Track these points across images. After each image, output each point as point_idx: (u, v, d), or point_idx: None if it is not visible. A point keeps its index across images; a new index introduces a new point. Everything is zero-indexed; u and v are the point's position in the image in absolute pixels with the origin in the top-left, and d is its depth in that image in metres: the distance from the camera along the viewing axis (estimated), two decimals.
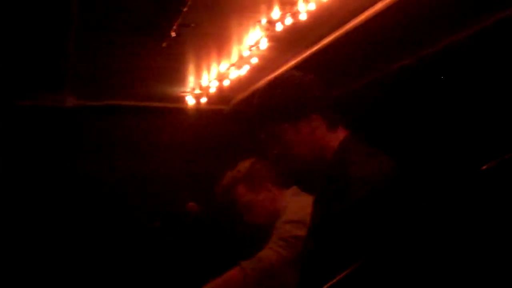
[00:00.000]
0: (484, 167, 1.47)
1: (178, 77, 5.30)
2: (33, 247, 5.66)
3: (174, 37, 4.02)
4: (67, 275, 5.66)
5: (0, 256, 5.46)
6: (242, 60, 4.66)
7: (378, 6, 3.62)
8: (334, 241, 1.99)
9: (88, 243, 5.83)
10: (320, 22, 3.87)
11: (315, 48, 4.38)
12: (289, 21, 3.78)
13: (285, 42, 4.27)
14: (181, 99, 5.79)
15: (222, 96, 5.75)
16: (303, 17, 3.68)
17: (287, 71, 4.47)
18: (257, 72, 4.92)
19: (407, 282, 1.86)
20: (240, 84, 5.31)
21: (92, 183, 5.98)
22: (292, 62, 4.74)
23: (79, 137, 6.00)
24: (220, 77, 5.11)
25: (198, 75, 5.23)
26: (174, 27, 3.89)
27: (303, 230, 2.46)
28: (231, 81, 5.11)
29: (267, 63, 4.72)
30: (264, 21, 3.90)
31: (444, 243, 2.04)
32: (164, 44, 4.13)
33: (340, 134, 2.22)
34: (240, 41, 4.34)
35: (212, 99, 5.70)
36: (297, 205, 3.00)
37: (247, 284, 2.95)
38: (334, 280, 1.70)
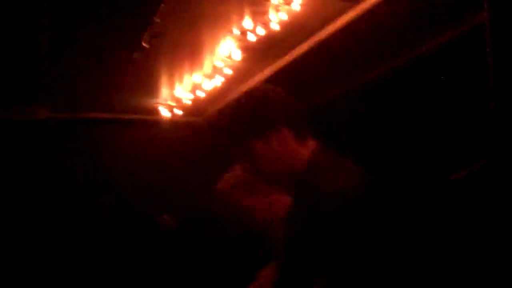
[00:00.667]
0: (453, 176, 1.47)
1: (152, 88, 5.26)
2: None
3: (146, 48, 3.98)
4: None
5: None
6: (215, 71, 4.63)
7: (349, 15, 3.63)
8: (307, 256, 1.98)
9: (68, 261, 5.76)
10: (292, 32, 3.87)
11: (288, 57, 4.37)
12: (261, 31, 3.77)
13: (258, 52, 4.25)
14: (155, 111, 5.76)
15: (196, 108, 5.71)
16: (275, 26, 3.67)
17: (254, 86, 4.47)
18: (231, 82, 4.89)
19: None
20: (214, 96, 5.28)
21: (65, 197, 5.92)
22: (266, 72, 4.72)
23: (52, 150, 5.93)
24: (194, 88, 5.07)
25: (171, 86, 5.20)
26: (146, 38, 3.86)
27: None
28: (205, 92, 5.07)
29: (241, 73, 4.70)
30: (236, 31, 3.88)
31: (416, 249, 2.04)
32: (135, 55, 4.09)
33: (310, 146, 2.22)
34: (213, 52, 4.32)
35: (186, 111, 5.66)
36: None
37: None
38: None
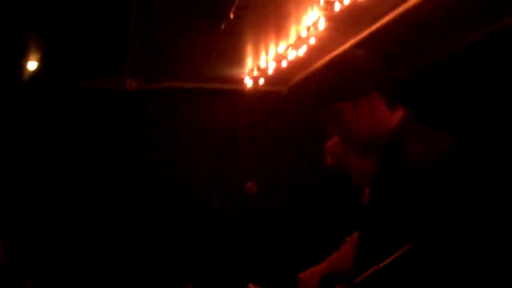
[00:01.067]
0: None
1: (237, 59, 5.32)
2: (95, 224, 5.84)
3: (232, 19, 4.03)
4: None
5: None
6: (300, 41, 4.63)
7: None
8: (390, 219, 1.98)
9: (149, 222, 5.95)
10: (378, 1, 3.83)
11: (372, 27, 4.33)
12: (347, 0, 3.75)
13: (343, 22, 4.23)
14: (240, 81, 5.83)
15: (280, 77, 5.75)
16: None
17: (347, 50, 4.44)
18: (315, 52, 4.88)
19: (464, 262, 1.85)
20: (297, 65, 5.30)
21: (152, 164, 6.09)
22: (350, 42, 4.70)
23: (140, 119, 6.11)
24: (278, 58, 5.10)
25: (256, 57, 5.25)
26: (233, 9, 3.91)
27: None
28: (289, 62, 5.09)
29: (325, 43, 4.69)
30: (322, 0, 3.88)
31: (504, 223, 2.01)
32: (222, 26, 4.15)
33: (399, 113, 2.20)
34: (298, 22, 4.32)
35: (270, 80, 5.71)
36: None
37: None
38: (391, 258, 1.71)
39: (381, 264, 1.73)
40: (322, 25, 4.20)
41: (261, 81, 5.67)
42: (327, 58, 5.02)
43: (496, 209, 2.02)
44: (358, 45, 4.57)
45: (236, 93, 6.12)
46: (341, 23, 4.28)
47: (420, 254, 1.74)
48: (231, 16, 3.97)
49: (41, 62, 5.19)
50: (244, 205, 5.37)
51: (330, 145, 3.18)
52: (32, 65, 5.23)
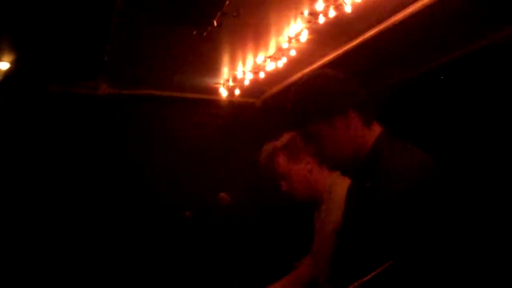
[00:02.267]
0: None
1: (213, 67, 5.25)
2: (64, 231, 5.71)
3: (214, 26, 3.98)
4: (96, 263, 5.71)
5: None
6: (280, 52, 4.60)
7: (422, 2, 3.59)
8: (366, 237, 1.97)
9: (118, 232, 5.85)
10: (364, 16, 3.83)
11: (354, 42, 4.33)
12: (332, 13, 3.74)
13: (326, 35, 4.22)
14: (215, 91, 5.78)
15: (256, 89, 5.71)
16: (347, 9, 3.64)
17: (319, 70, 4.44)
18: (293, 65, 4.87)
19: (441, 282, 1.85)
20: (273, 77, 5.27)
21: (122, 172, 6.00)
22: (330, 56, 4.69)
23: (111, 125, 6.02)
24: (256, 69, 5.06)
25: (233, 67, 5.19)
26: (216, 16, 3.86)
27: None
28: (265, 73, 5.05)
29: (305, 56, 4.68)
30: (306, 12, 3.86)
31: (480, 242, 2.02)
32: (204, 34, 4.10)
33: (376, 131, 2.20)
34: (280, 33, 4.29)
35: (245, 92, 5.67)
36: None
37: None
38: (367, 278, 1.70)
39: (364, 279, 1.72)
40: (304, 37, 4.18)
41: (237, 92, 5.62)
42: (305, 71, 5.01)
43: (476, 225, 2.02)
44: (338, 59, 4.57)
45: (211, 103, 6.06)
46: (323, 36, 4.27)
47: (402, 271, 1.74)
48: (215, 23, 3.92)
49: (14, 63, 5.07)
50: (217, 216, 5.31)
51: (261, 156, 3.17)
52: (3, 65, 5.10)
